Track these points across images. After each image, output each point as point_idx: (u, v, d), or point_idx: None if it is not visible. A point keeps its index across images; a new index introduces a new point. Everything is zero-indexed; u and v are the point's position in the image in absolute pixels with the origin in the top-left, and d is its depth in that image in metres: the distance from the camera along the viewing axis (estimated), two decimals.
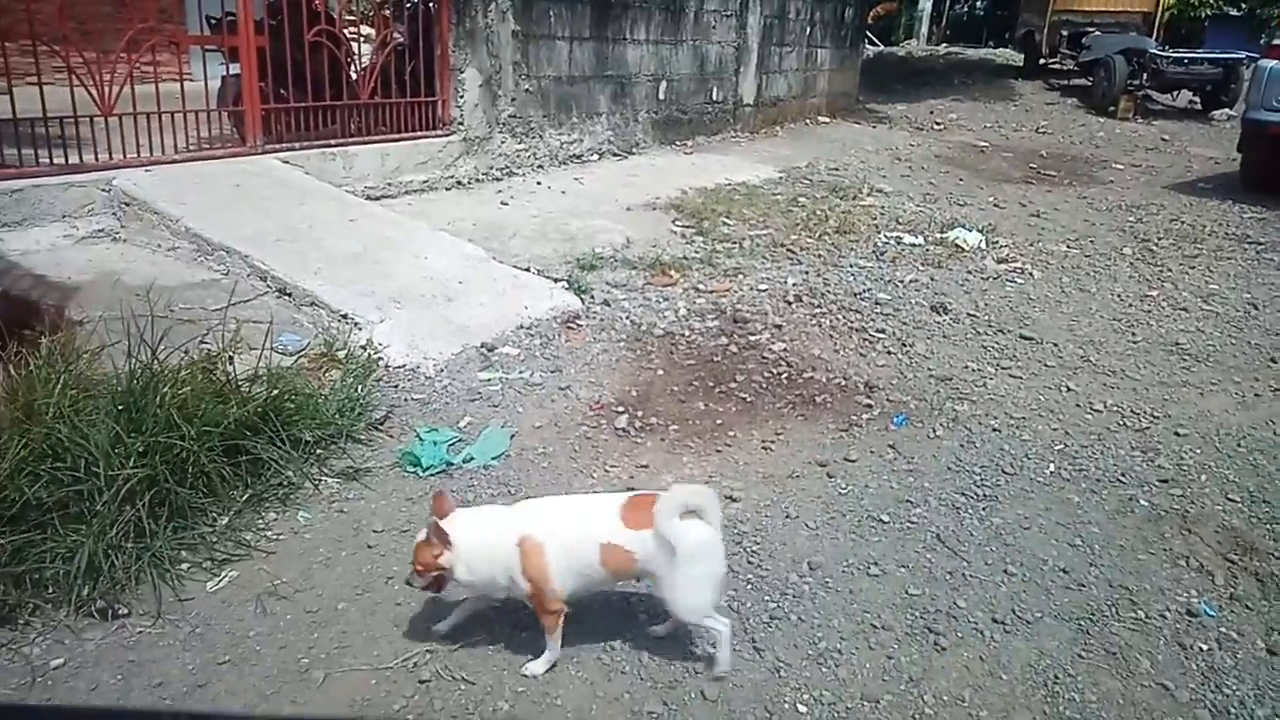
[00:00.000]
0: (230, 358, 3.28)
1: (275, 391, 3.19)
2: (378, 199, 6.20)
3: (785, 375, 4.12)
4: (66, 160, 4.90)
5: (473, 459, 3.29)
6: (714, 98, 10.47)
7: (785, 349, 4.40)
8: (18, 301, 3.94)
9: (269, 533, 2.77)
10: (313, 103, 6.10)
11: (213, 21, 5.82)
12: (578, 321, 4.61)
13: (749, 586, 2.59)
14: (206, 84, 5.66)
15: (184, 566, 2.57)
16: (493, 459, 3.30)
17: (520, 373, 4.01)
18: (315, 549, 2.72)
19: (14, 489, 2.51)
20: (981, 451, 3.48)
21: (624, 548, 2.13)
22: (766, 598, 2.54)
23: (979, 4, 28.77)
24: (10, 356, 3.09)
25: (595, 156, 8.65)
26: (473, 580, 2.20)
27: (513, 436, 3.46)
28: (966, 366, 4.32)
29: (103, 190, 4.90)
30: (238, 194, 5.07)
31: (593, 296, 4.92)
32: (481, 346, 4.19)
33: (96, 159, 5.02)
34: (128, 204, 4.84)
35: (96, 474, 2.60)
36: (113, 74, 5.03)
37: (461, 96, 7.04)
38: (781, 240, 6.34)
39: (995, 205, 8.20)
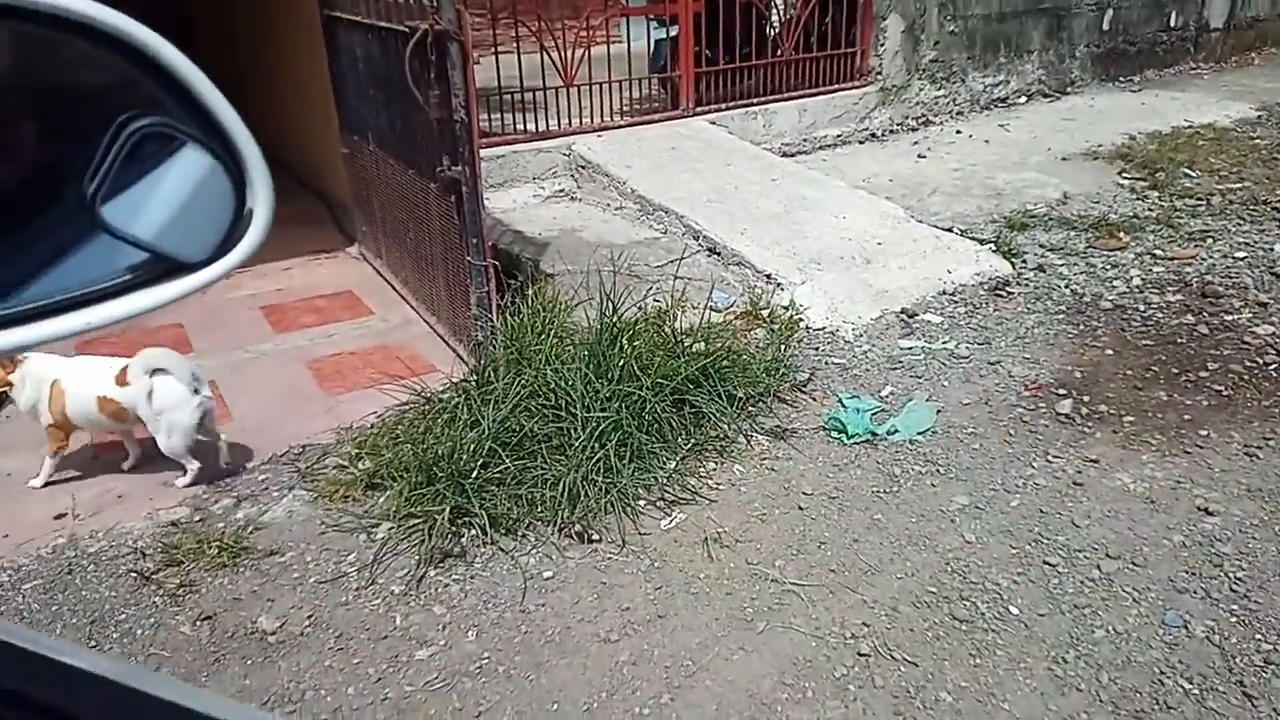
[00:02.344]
0: (675, 315, 3.58)
1: (713, 349, 3.43)
2: (793, 155, 6.28)
3: (1275, 366, 3.45)
4: (537, 128, 5.63)
5: (897, 431, 3.25)
6: (1171, 24, 8.94)
7: (1274, 333, 3.68)
8: (504, 254, 4.66)
9: (710, 481, 3.00)
10: (739, 63, 6.30)
11: None
12: (1008, 288, 4.29)
13: (1233, 620, 2.25)
14: (630, 48, 6.00)
15: (641, 503, 2.89)
16: (918, 434, 3.23)
17: (944, 343, 3.85)
18: (751, 503, 2.89)
19: (515, 421, 3.01)
20: None
21: (116, 400, 2.84)
22: (1259, 636, 2.18)
23: None
24: (504, 304, 3.68)
25: (1022, 99, 7.88)
26: (19, 404, 2.90)
27: (938, 412, 3.34)
28: None
29: (564, 155, 5.56)
30: (673, 156, 5.46)
31: (1024, 260, 4.53)
32: (902, 312, 4.09)
33: (559, 126, 5.70)
34: (583, 167, 5.46)
35: (574, 414, 3.01)
36: (574, 45, 5.61)
37: (882, 44, 6.81)
38: (1264, 196, 5.28)
39: None
